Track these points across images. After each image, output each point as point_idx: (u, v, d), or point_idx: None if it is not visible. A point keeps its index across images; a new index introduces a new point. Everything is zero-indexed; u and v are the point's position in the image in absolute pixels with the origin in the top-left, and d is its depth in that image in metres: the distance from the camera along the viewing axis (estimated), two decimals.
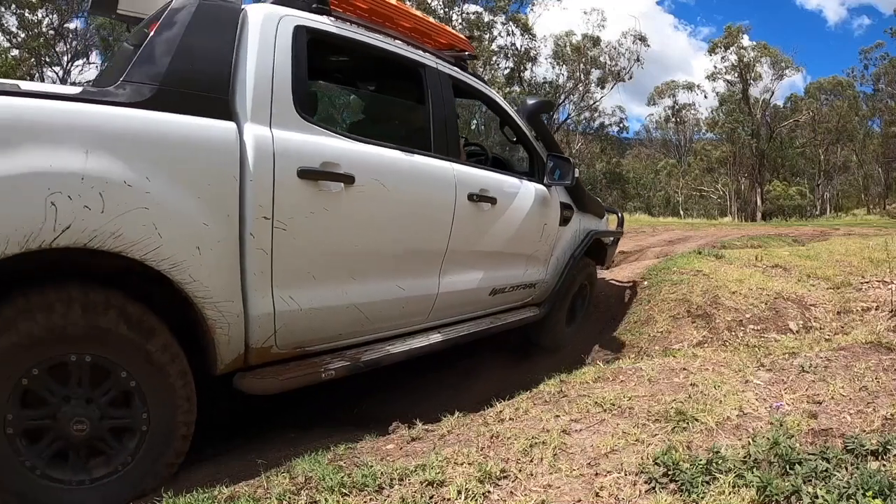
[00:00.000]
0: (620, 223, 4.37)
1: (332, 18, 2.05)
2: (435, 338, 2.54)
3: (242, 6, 1.84)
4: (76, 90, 1.53)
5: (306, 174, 1.79)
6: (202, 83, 1.65)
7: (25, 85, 1.46)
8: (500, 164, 3.13)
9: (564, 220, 3.28)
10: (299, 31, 1.89)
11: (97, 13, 3.67)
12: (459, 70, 2.68)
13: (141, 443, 1.61)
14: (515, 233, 2.86)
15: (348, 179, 1.89)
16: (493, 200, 2.60)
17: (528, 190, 2.93)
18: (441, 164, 2.37)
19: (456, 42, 2.69)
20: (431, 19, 2.65)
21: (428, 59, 2.45)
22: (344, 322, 2.07)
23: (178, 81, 1.60)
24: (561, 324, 3.57)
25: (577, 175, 3.16)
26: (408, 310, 2.34)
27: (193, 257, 1.56)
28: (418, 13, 2.54)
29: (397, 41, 2.32)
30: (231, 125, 1.67)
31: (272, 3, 1.90)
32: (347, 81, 2.31)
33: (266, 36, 1.80)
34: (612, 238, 4.06)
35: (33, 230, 1.28)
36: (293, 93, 1.83)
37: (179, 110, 1.58)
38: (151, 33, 1.67)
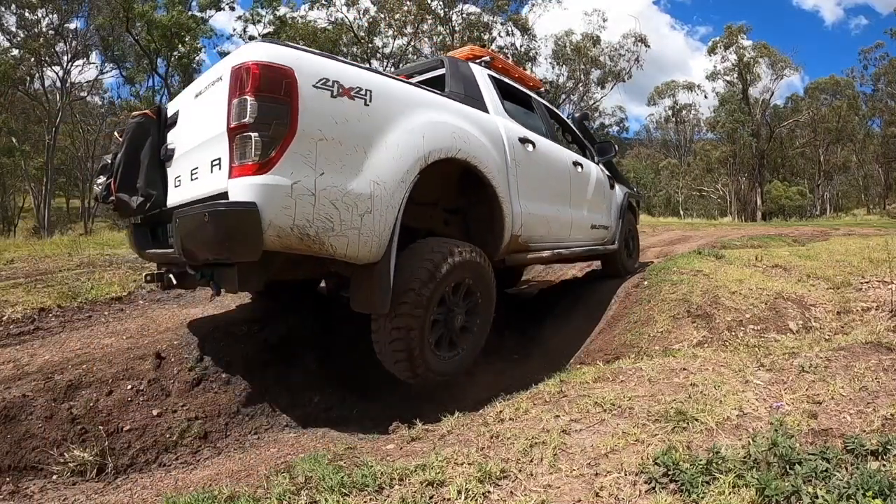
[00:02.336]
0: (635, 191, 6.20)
1: (493, 73, 3.63)
2: (575, 248, 4.07)
3: (477, 64, 3.54)
4: (441, 93, 2.87)
5: (520, 140, 3.28)
6: (473, 95, 3.17)
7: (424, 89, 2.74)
8: None
9: (611, 186, 4.99)
10: (489, 76, 3.50)
11: None
12: (541, 98, 4.44)
13: (471, 336, 2.79)
14: (594, 188, 4.46)
15: (533, 145, 3.41)
16: (581, 166, 4.21)
17: (591, 164, 4.56)
18: (557, 145, 3.99)
19: (536, 83, 4.47)
20: (526, 71, 4.51)
21: (531, 93, 4.15)
22: (541, 228, 3.44)
23: (466, 92, 3.12)
24: (624, 257, 5.14)
25: (616, 149, 5.03)
26: (562, 227, 3.78)
27: (498, 174, 2.93)
28: (519, 68, 4.30)
29: (517, 84, 3.95)
30: (490, 115, 3.16)
31: (482, 63, 3.60)
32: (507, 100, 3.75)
33: (481, 76, 3.40)
34: (637, 199, 5.99)
35: (449, 148, 2.57)
36: (501, 102, 3.38)
37: (472, 106, 3.03)
38: (444, 71, 3.27)
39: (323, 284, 4.20)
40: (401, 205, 2.29)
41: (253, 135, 1.89)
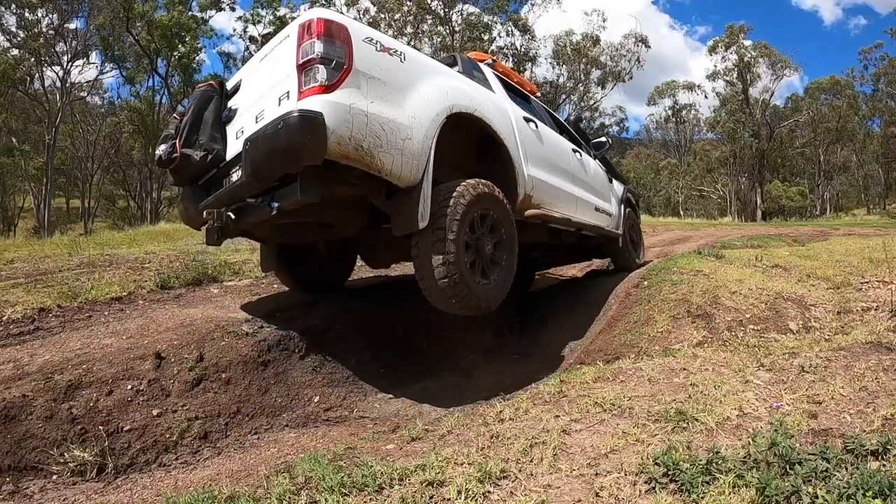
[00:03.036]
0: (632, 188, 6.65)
1: (496, 72, 4.09)
2: (585, 222, 4.41)
3: (482, 64, 4.00)
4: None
5: (524, 119, 3.74)
6: (483, 80, 3.64)
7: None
8: None
9: (609, 180, 5.41)
10: (495, 74, 4.01)
11: None
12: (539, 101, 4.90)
13: (501, 269, 3.08)
14: (593, 175, 4.89)
15: (536, 124, 3.90)
16: (580, 153, 4.68)
17: (589, 157, 4.98)
18: (556, 133, 4.43)
19: (532, 88, 4.82)
20: (524, 78, 4.89)
21: (530, 95, 4.53)
22: (549, 193, 3.79)
23: (476, 77, 3.57)
24: (630, 249, 5.51)
25: (611, 144, 5.60)
26: (568, 201, 4.13)
27: (509, 137, 3.37)
28: (518, 74, 4.79)
29: (518, 86, 4.39)
30: (500, 96, 3.67)
31: (485, 64, 4.03)
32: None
33: (489, 73, 3.88)
34: (636, 195, 6.38)
35: (467, 106, 3.03)
36: (506, 91, 3.86)
37: (483, 87, 3.52)
38: (459, 67, 3.59)
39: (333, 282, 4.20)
40: (433, 139, 2.74)
41: (319, 66, 2.36)
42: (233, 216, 2.84)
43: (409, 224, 2.66)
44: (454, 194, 2.76)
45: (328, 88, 2.34)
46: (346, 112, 2.36)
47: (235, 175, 2.82)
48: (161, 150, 3.04)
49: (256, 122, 2.65)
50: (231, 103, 3.06)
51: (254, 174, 2.52)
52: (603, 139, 5.39)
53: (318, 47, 2.37)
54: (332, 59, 2.37)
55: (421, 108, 2.72)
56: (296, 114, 2.28)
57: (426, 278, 2.71)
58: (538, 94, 4.97)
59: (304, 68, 2.40)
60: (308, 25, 2.45)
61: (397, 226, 2.73)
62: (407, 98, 2.68)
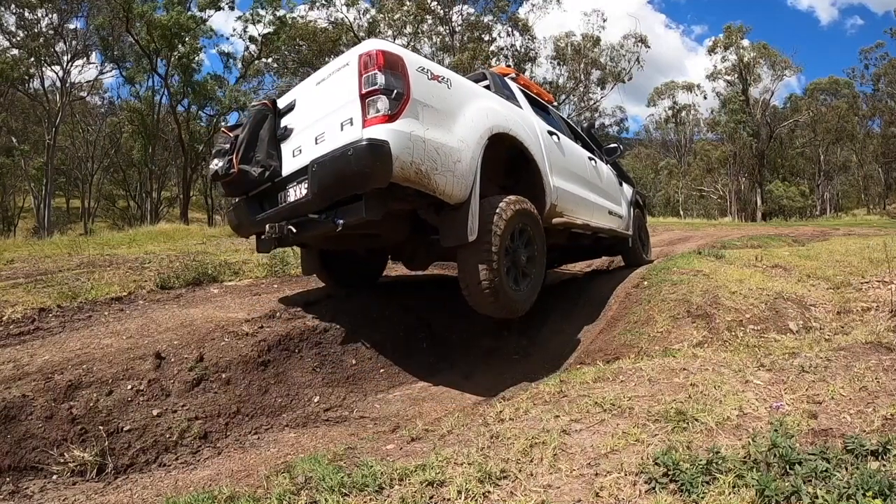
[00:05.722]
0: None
1: (519, 86, 4.34)
2: (601, 225, 4.67)
3: (506, 78, 4.26)
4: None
5: (548, 133, 3.99)
6: (512, 97, 3.92)
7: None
8: None
9: (620, 184, 5.73)
10: (519, 88, 4.25)
11: None
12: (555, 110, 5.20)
13: (533, 273, 3.34)
14: (607, 181, 5.18)
15: (558, 137, 4.16)
16: (595, 161, 4.98)
17: (602, 163, 5.27)
18: (574, 142, 4.72)
19: (550, 98, 5.05)
20: (541, 88, 5.09)
21: (548, 105, 4.79)
22: (571, 201, 4.05)
23: (506, 94, 3.87)
24: (639, 248, 5.89)
25: (623, 149, 5.93)
26: (586, 208, 4.39)
27: (537, 152, 3.63)
28: (536, 85, 4.98)
29: (538, 97, 4.64)
30: (527, 111, 3.94)
31: (509, 78, 4.29)
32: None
33: (515, 89, 4.15)
34: (643, 197, 6.76)
35: (504, 126, 3.30)
36: (531, 105, 4.14)
37: (512, 104, 3.80)
38: (489, 82, 3.89)
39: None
40: (479, 161, 2.99)
41: (382, 96, 2.58)
42: (294, 230, 3.02)
43: (459, 237, 2.89)
44: (498, 209, 3.01)
45: (391, 118, 2.57)
46: (408, 139, 2.59)
47: (292, 191, 3.02)
48: (217, 164, 3.24)
49: (316, 143, 2.87)
50: (285, 122, 3.23)
51: (320, 193, 2.72)
52: (615, 145, 5.67)
53: (381, 79, 2.58)
54: (393, 90, 2.60)
55: (468, 132, 2.97)
56: (364, 142, 2.50)
57: (470, 282, 2.95)
58: (554, 103, 5.22)
59: (367, 98, 2.60)
60: (368, 57, 2.64)
61: (447, 238, 2.96)
62: (456, 123, 2.93)
